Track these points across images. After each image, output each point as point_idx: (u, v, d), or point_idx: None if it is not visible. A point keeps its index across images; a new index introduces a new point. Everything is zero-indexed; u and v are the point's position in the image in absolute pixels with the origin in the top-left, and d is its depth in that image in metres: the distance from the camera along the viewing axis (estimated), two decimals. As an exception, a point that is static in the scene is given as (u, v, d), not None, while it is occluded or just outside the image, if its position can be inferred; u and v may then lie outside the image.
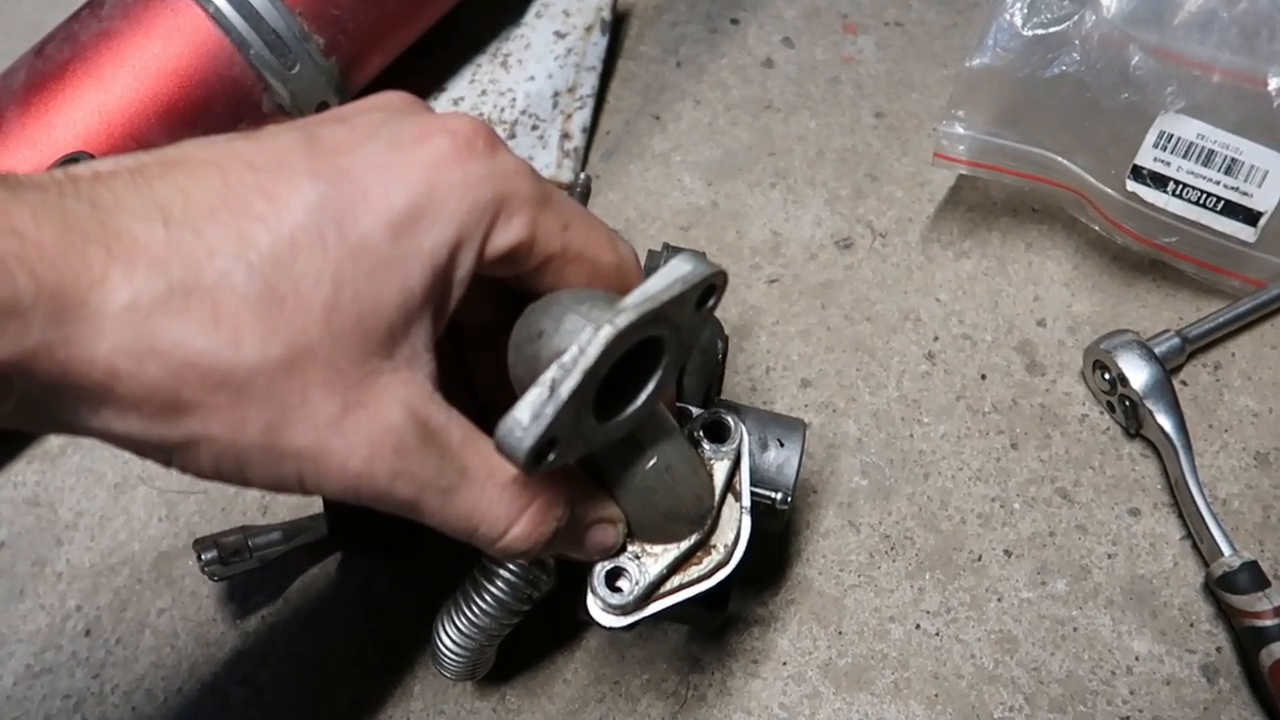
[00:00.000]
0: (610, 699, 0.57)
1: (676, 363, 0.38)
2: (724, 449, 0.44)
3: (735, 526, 0.44)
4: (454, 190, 0.33)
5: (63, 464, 0.65)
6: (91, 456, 0.65)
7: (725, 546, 0.44)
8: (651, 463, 0.40)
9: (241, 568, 0.56)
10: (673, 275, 0.35)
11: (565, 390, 0.32)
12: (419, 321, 0.33)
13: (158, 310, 0.28)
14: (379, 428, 0.32)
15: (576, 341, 0.32)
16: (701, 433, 0.44)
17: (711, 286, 0.36)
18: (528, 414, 0.32)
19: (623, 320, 0.33)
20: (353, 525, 0.56)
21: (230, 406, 0.30)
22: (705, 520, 0.43)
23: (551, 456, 0.34)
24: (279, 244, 0.30)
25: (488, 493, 0.35)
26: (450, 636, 0.48)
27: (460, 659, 0.49)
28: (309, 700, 0.57)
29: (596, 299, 0.36)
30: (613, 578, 0.42)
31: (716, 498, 0.43)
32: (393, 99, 0.37)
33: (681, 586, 0.43)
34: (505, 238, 0.35)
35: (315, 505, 0.60)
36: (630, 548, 0.42)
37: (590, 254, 0.38)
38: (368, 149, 0.33)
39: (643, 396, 0.38)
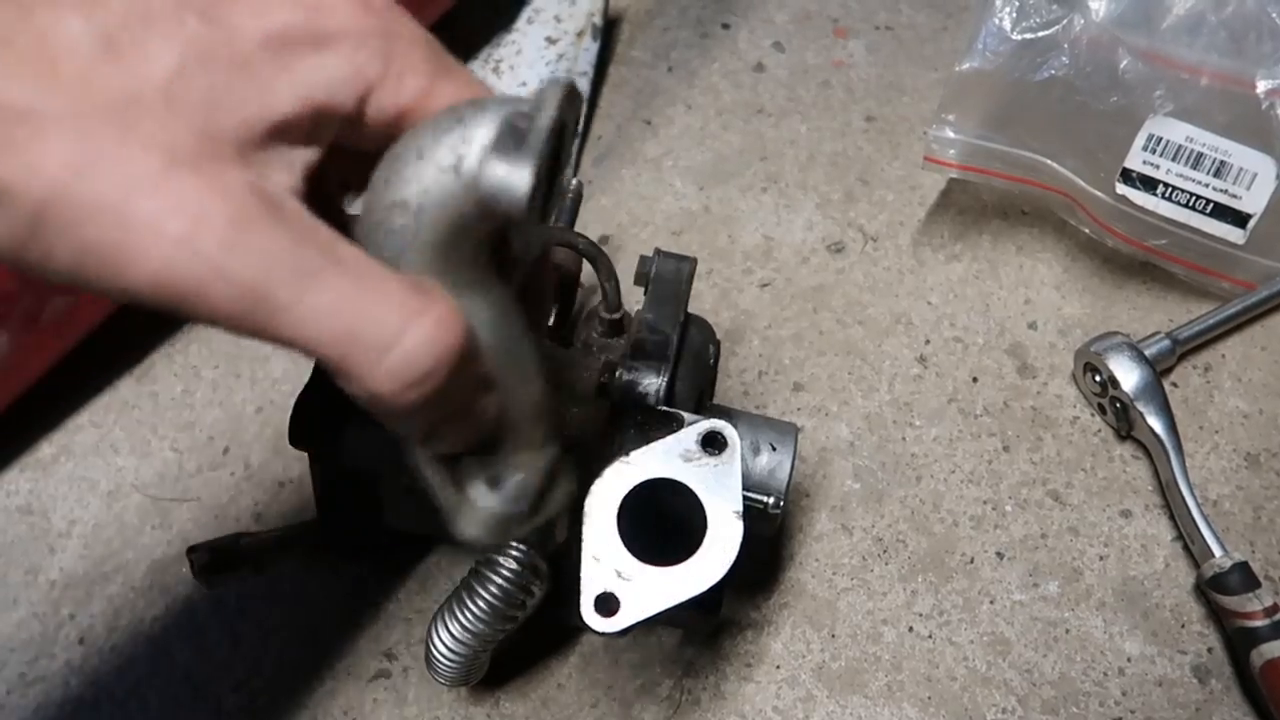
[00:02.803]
0: (604, 704, 0.57)
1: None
2: (720, 458, 0.44)
3: (728, 530, 0.44)
4: (342, 35, 0.30)
5: (55, 472, 0.65)
6: (84, 465, 0.65)
7: (718, 550, 0.44)
8: (519, 331, 0.35)
9: (235, 575, 0.56)
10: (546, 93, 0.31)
11: (546, 120, 0.29)
12: (277, 149, 0.29)
13: None
14: (212, 192, 0.27)
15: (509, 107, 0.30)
16: (697, 442, 0.44)
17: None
18: (514, 144, 0.29)
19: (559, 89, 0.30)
20: (347, 532, 0.56)
21: (28, 142, 0.26)
22: (548, 426, 0.38)
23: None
24: (132, 10, 0.28)
25: (368, 282, 0.28)
26: (444, 642, 0.48)
27: (454, 665, 0.49)
28: (303, 707, 0.57)
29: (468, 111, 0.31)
30: (603, 604, 0.42)
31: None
32: None
33: (675, 590, 0.43)
34: (390, 100, 0.31)
35: (309, 512, 0.60)
36: (493, 456, 0.37)
37: None
38: None
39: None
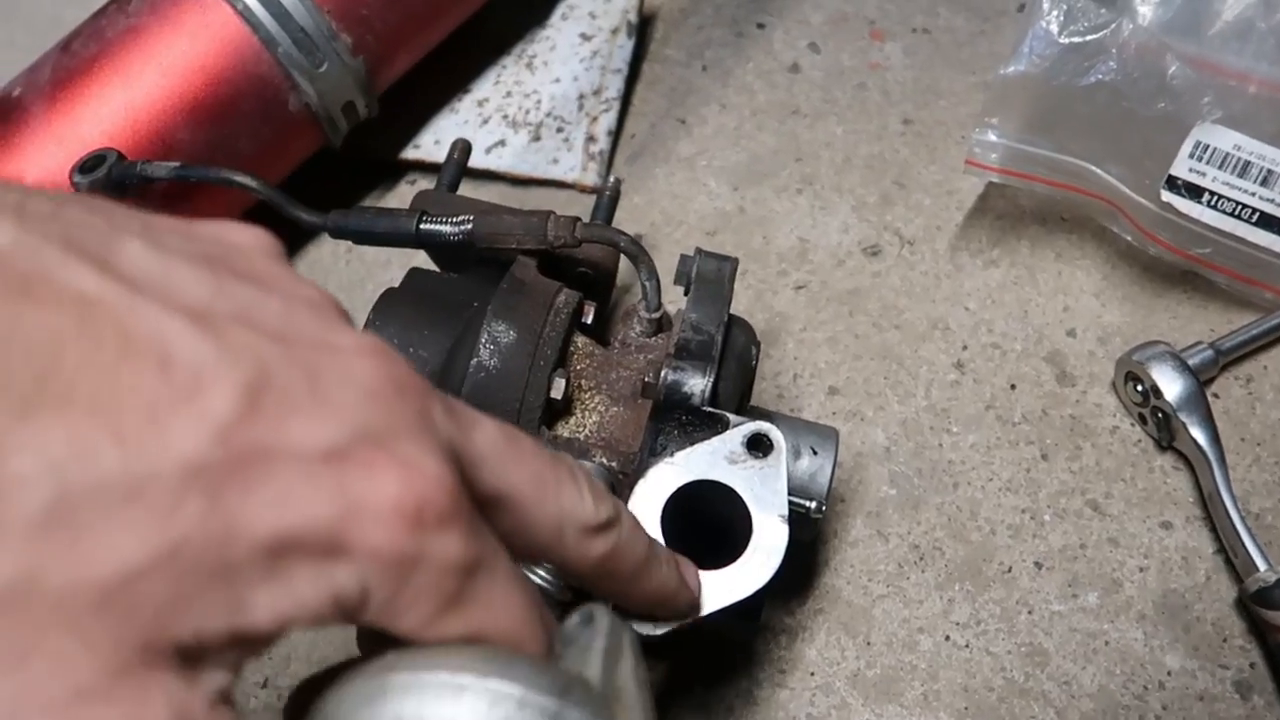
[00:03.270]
0: (636, 708, 0.56)
1: None
2: (766, 461, 0.43)
3: (773, 537, 0.43)
4: (364, 551, 0.25)
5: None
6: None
7: (763, 555, 0.43)
8: None
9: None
10: None
11: None
12: (228, 654, 0.24)
13: None
14: None
15: None
16: (743, 444, 0.44)
17: None
18: None
19: None
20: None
21: None
22: None
23: None
24: (118, 478, 0.22)
25: None
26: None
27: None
28: (332, 705, 0.56)
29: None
30: None
31: None
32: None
33: (720, 595, 0.42)
34: (377, 621, 0.26)
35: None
36: None
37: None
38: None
39: None
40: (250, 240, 0.29)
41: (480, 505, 0.28)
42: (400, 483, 0.25)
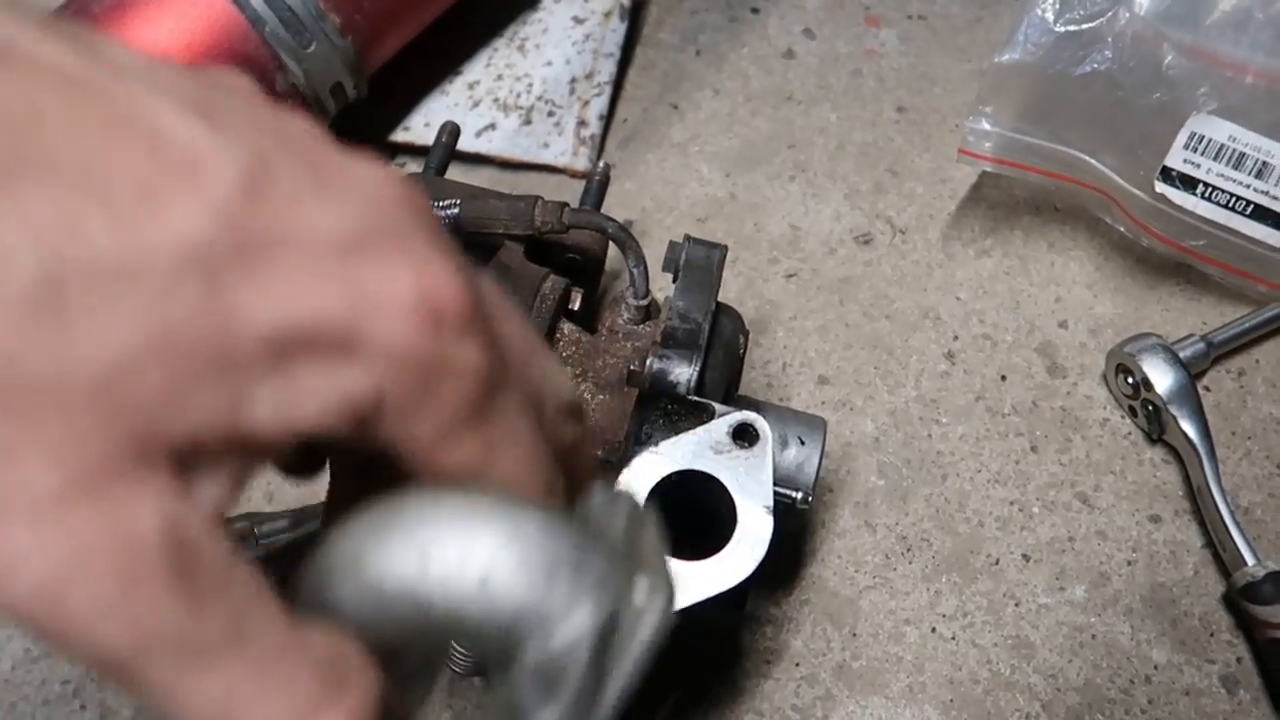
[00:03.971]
0: (620, 697, 0.56)
1: None
2: (751, 451, 0.43)
3: (758, 527, 0.43)
4: (378, 350, 0.23)
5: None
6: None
7: (748, 545, 0.43)
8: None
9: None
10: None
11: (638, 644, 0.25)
12: (225, 460, 0.23)
13: None
14: (106, 531, 0.20)
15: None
16: (728, 434, 0.43)
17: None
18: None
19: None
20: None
21: None
22: None
23: None
24: (114, 259, 0.20)
25: (271, 667, 0.22)
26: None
27: (469, 652, 0.48)
28: (314, 691, 0.56)
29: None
30: None
31: None
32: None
33: (703, 585, 0.42)
34: (391, 435, 0.24)
35: (323, 492, 0.59)
36: None
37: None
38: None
39: None
40: (234, 77, 0.27)
41: None
42: (417, 279, 0.23)
